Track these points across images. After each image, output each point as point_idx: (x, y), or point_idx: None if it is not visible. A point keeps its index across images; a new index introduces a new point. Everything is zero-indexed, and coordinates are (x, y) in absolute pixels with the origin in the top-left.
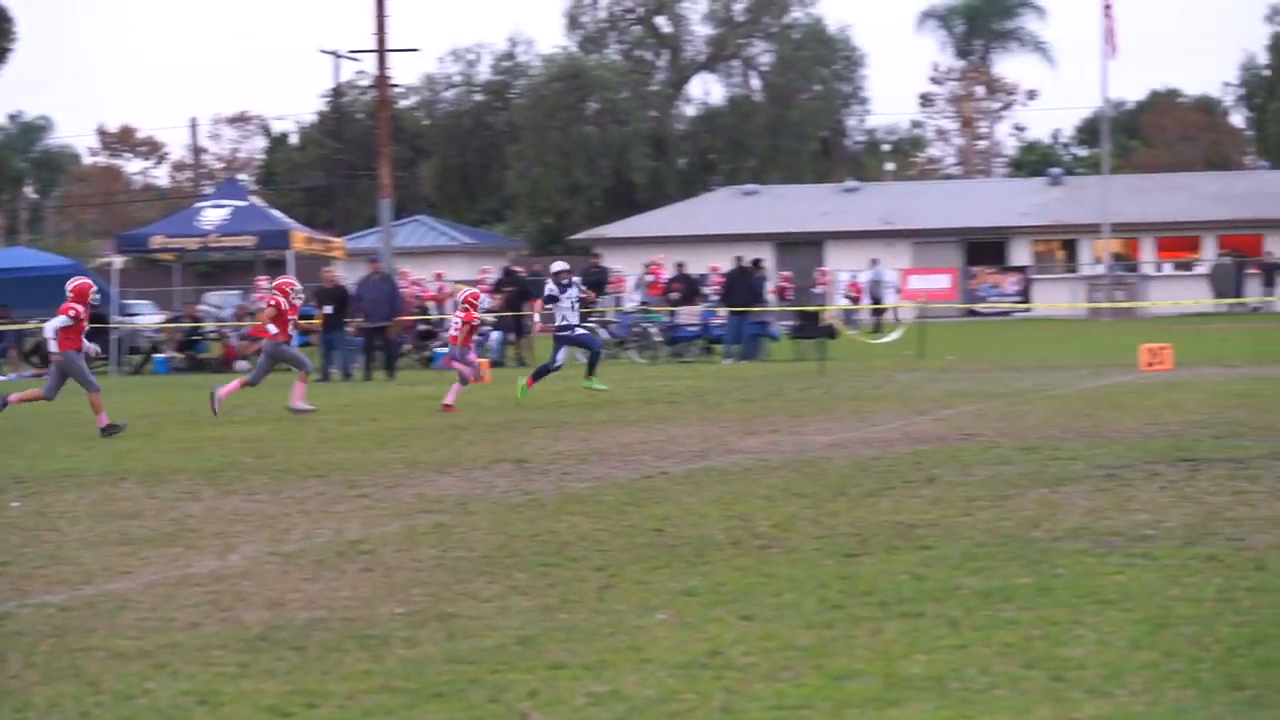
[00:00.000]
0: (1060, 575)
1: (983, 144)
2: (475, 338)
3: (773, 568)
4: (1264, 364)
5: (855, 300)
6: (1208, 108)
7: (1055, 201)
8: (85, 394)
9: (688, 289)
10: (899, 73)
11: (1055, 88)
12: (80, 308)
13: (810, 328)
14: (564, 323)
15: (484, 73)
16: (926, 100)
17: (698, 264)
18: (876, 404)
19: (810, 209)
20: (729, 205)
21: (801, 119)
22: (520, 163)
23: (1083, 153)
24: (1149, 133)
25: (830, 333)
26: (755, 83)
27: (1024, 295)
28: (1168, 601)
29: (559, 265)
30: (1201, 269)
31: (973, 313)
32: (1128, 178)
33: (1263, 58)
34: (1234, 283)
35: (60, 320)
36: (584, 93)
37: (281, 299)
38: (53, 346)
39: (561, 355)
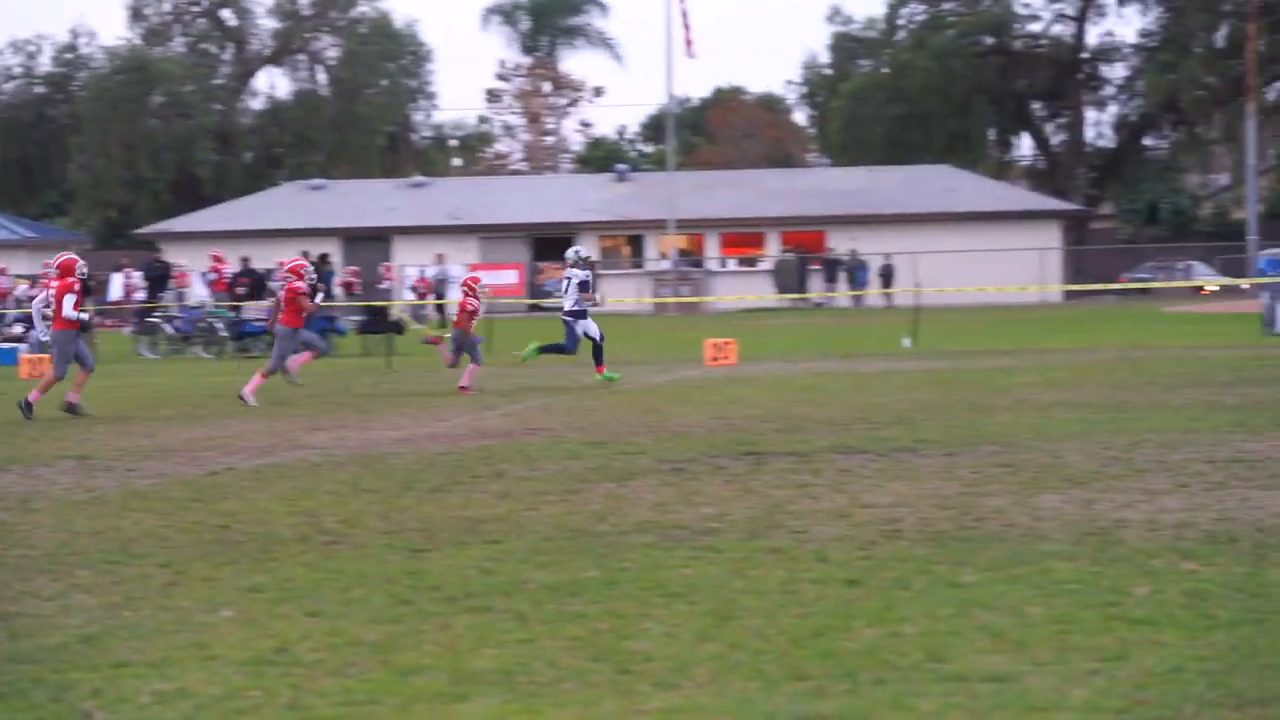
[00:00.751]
0: (627, 569)
1: (550, 140)
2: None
3: (340, 563)
4: (828, 359)
5: (422, 296)
6: (771, 105)
7: (621, 198)
8: (80, 369)
9: (254, 284)
10: (467, 68)
11: (622, 84)
12: (80, 280)
13: (378, 323)
14: (576, 308)
15: (45, 64)
16: (493, 96)
17: (264, 259)
18: (445, 399)
19: (377, 204)
20: (296, 200)
21: (369, 114)
22: (82, 156)
23: (649, 149)
24: (714, 130)
25: (398, 328)
26: (322, 77)
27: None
28: (733, 594)
29: (585, 250)
30: (765, 265)
31: (539, 308)
32: (693, 174)
33: (824, 56)
34: (797, 278)
35: (73, 298)
36: (148, 86)
37: (299, 282)
38: (83, 318)
39: (593, 330)
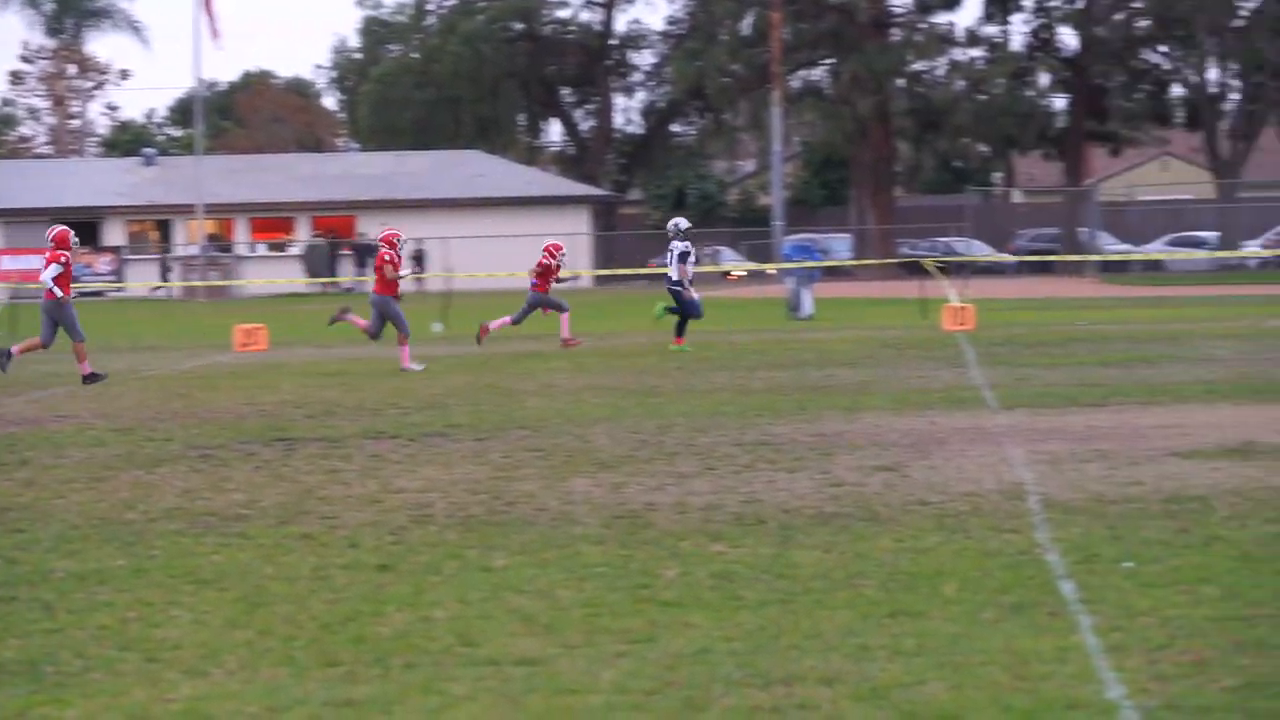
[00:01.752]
0: (156, 556)
1: (75, 123)
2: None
3: None
4: (354, 345)
5: None
6: (300, 90)
7: (149, 182)
8: (71, 342)
9: None
10: None
11: (149, 67)
12: (68, 254)
13: None
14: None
15: None
16: (17, 78)
17: None
18: None
19: None
20: None
21: None
22: None
23: (177, 133)
24: (243, 114)
25: None
26: None
27: (118, 275)
28: (263, 580)
29: (685, 222)
30: (295, 250)
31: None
32: (222, 158)
33: (354, 41)
34: (327, 263)
35: (54, 269)
36: None
37: (390, 250)
38: (58, 293)
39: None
